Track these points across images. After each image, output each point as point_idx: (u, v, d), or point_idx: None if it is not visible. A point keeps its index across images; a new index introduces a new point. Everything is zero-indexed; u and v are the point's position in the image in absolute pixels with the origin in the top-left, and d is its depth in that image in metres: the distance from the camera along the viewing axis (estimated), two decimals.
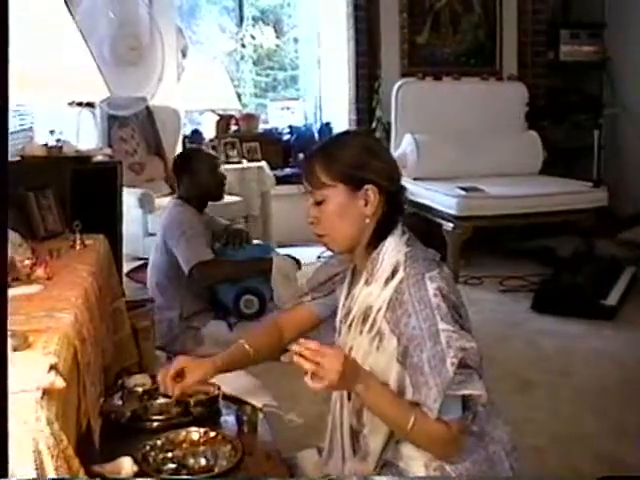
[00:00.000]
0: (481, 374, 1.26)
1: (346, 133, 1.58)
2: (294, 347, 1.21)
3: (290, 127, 5.79)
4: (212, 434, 1.50)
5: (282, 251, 3.41)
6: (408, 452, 1.32)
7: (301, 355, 1.19)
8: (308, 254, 3.90)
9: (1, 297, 0.88)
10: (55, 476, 0.97)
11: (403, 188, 1.39)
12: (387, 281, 1.31)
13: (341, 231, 1.36)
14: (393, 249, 1.33)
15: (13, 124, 3.50)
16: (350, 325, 1.38)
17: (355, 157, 1.33)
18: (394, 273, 1.30)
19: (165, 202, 4.42)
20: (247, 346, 1.53)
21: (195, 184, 3.12)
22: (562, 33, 5.58)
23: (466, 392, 1.24)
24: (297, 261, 3.19)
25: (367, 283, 1.35)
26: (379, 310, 1.31)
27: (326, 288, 1.53)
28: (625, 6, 5.39)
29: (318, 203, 1.35)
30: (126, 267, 3.53)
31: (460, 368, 1.21)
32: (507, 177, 4.79)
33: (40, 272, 1.67)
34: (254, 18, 6.04)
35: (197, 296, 3.10)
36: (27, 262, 1.67)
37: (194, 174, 3.12)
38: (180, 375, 1.46)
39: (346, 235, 1.36)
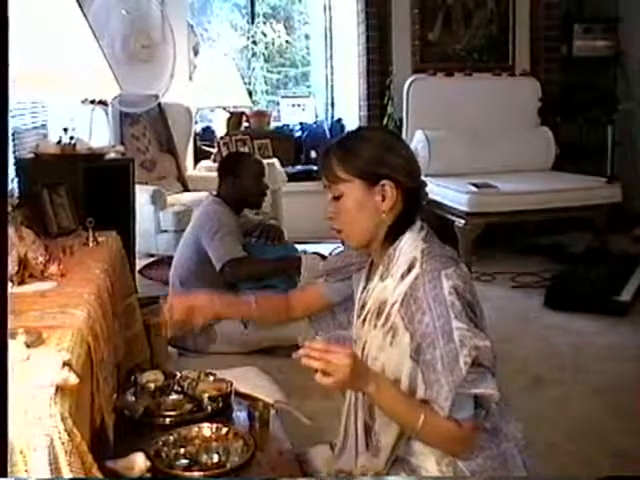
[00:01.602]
0: (494, 373, 1.25)
1: (364, 128, 1.57)
2: (300, 351, 1.21)
3: (301, 124, 5.79)
4: (224, 430, 1.51)
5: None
6: (420, 448, 1.32)
7: (309, 356, 1.20)
8: (319, 251, 3.90)
9: (1, 297, 0.88)
10: (69, 471, 0.97)
11: (423, 184, 1.39)
12: (403, 276, 1.30)
13: (358, 226, 1.36)
14: (410, 245, 1.33)
15: (27, 122, 3.52)
16: (365, 319, 1.38)
17: (373, 153, 1.33)
18: (410, 269, 1.30)
19: (176, 199, 4.45)
20: (254, 303, 1.58)
21: (237, 187, 3.12)
22: (575, 28, 5.54)
23: (478, 391, 1.24)
24: (324, 259, 3.19)
25: (382, 278, 1.35)
26: (393, 305, 1.30)
27: (341, 274, 1.54)
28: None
29: (335, 198, 1.35)
30: (138, 264, 3.55)
31: (473, 367, 1.21)
32: (519, 173, 4.77)
33: (54, 269, 1.68)
34: (265, 15, 6.04)
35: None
36: (41, 259, 1.67)
37: (238, 177, 3.13)
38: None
39: (363, 230, 1.36)
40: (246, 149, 5.04)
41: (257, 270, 3.06)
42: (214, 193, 3.20)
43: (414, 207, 1.36)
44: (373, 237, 1.36)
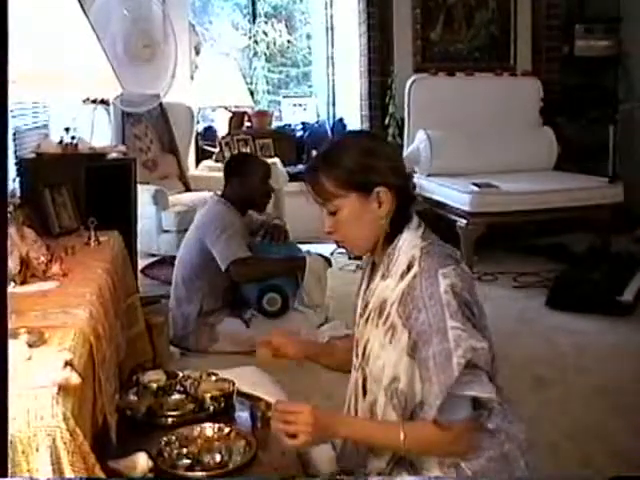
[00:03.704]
0: (491, 375, 1.25)
1: (344, 136, 1.56)
2: (269, 414, 1.27)
3: (303, 124, 5.78)
4: (226, 430, 1.51)
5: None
6: None
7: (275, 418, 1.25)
8: (321, 251, 3.89)
9: (1, 297, 0.88)
10: (71, 471, 0.97)
11: (409, 177, 1.40)
12: (402, 275, 1.31)
13: (360, 236, 1.37)
14: (409, 243, 1.34)
15: (28, 121, 3.52)
16: (368, 318, 1.39)
17: (358, 162, 1.32)
18: (409, 267, 1.31)
19: (177, 199, 4.45)
20: (338, 345, 1.56)
21: (244, 188, 3.12)
22: (577, 28, 5.52)
23: (473, 393, 1.23)
24: (328, 260, 3.21)
25: (384, 277, 1.35)
26: (393, 304, 1.31)
27: None
28: None
29: (332, 213, 1.35)
30: (140, 263, 3.55)
31: (468, 368, 1.21)
32: (521, 173, 4.75)
33: (55, 269, 1.68)
34: (266, 14, 6.04)
35: (219, 294, 3.12)
36: (42, 259, 1.68)
37: (245, 178, 3.13)
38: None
39: (365, 238, 1.37)
40: (248, 149, 5.04)
41: (262, 270, 3.07)
42: (218, 193, 3.19)
43: (407, 203, 1.37)
44: (376, 242, 1.37)
